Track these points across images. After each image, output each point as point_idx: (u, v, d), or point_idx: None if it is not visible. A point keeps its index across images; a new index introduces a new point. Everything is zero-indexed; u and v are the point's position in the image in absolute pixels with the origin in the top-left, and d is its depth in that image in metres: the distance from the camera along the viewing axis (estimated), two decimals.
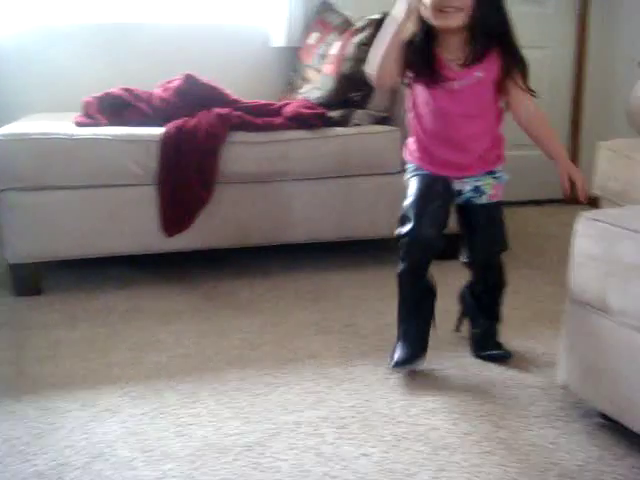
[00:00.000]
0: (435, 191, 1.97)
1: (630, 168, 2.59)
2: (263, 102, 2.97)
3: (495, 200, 2.04)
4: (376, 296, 2.58)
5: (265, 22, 3.67)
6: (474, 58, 1.86)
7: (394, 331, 2.08)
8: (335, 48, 3.07)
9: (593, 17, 4.27)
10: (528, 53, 4.24)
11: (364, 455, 1.58)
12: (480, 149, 1.98)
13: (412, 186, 1.99)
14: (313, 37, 3.40)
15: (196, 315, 2.42)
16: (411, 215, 1.95)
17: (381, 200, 2.87)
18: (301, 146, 2.77)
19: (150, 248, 2.71)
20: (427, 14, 1.82)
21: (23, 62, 3.41)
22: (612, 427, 1.68)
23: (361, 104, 2.95)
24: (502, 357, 2.06)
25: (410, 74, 1.92)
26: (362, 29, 2.99)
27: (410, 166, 2.03)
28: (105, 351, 2.13)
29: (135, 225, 2.66)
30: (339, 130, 2.85)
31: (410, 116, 2.01)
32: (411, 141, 2.03)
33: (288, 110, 2.85)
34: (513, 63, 1.90)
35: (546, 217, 4.01)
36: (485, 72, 1.88)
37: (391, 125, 2.96)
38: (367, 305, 2.50)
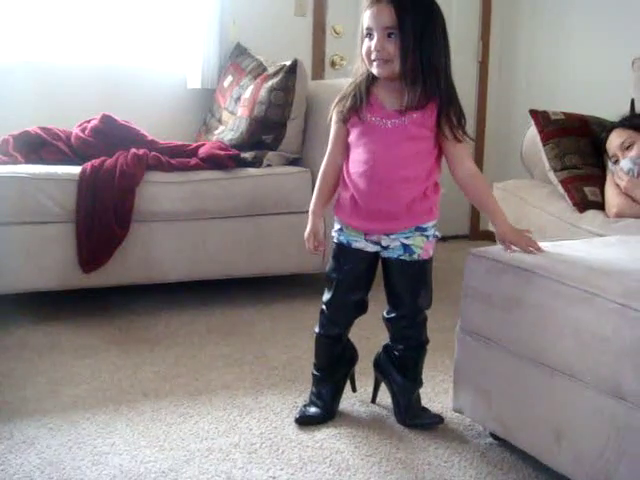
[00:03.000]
0: (356, 259, 1.94)
1: (520, 207, 2.81)
2: (179, 143, 3.08)
3: (425, 258, 1.95)
4: (286, 329, 2.70)
5: (182, 65, 3.77)
6: (409, 106, 1.81)
7: (303, 362, 2.19)
8: (248, 92, 3.21)
9: (492, 65, 4.55)
10: None
11: (272, 478, 1.68)
12: (410, 196, 1.88)
13: (333, 253, 1.98)
14: (228, 80, 3.53)
15: (112, 349, 2.48)
16: (332, 281, 1.96)
17: (292, 238, 2.98)
18: (215, 186, 2.88)
19: (68, 284, 2.76)
20: (367, 65, 1.84)
21: None
22: (501, 445, 1.83)
23: (273, 146, 3.08)
24: (435, 423, 1.97)
25: (344, 109, 1.88)
26: (274, 74, 3.14)
27: (336, 223, 1.98)
28: (21, 385, 2.17)
29: (53, 261, 2.70)
30: (252, 171, 2.97)
31: (337, 163, 1.95)
32: (340, 193, 1.96)
33: (203, 151, 2.96)
34: (449, 114, 1.83)
35: (451, 252, 4.20)
36: (421, 118, 1.83)
37: (302, 166, 3.11)
38: (278, 338, 2.62)
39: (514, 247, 1.77)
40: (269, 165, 3.03)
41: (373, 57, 1.80)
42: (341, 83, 3.08)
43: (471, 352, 1.80)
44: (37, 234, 2.69)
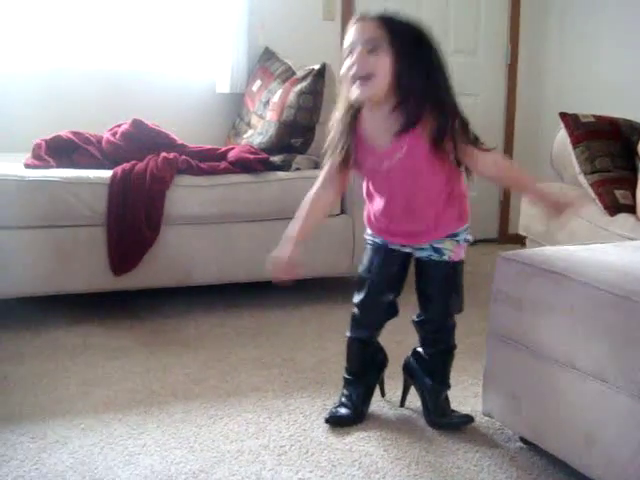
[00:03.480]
0: (389, 258, 1.93)
1: None
2: (208, 147, 3.10)
3: (456, 260, 1.93)
4: (315, 332, 2.70)
5: (210, 69, 3.80)
6: (399, 130, 1.73)
7: (331, 365, 2.20)
8: (277, 96, 3.22)
9: (521, 68, 4.53)
10: (461, 100, 4.45)
11: None
12: (433, 212, 1.86)
13: (367, 253, 1.98)
14: (257, 84, 3.55)
15: (143, 351, 2.51)
16: (364, 282, 1.95)
17: (320, 241, 2.99)
18: (244, 189, 2.90)
19: (98, 287, 2.79)
20: (347, 92, 1.74)
21: None
22: (530, 449, 1.82)
23: (301, 150, 3.10)
24: (464, 423, 1.96)
25: (337, 163, 1.86)
26: (303, 79, 3.15)
27: (367, 230, 1.99)
28: (53, 386, 2.20)
29: (84, 264, 2.73)
30: (280, 174, 2.99)
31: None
32: (366, 205, 1.96)
33: (232, 155, 2.98)
34: (446, 126, 1.74)
35: (480, 256, 4.18)
36: (414, 147, 1.74)
37: None
38: (306, 341, 2.62)
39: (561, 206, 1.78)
40: (298, 169, 3.04)
41: (353, 73, 1.69)
42: None
43: (501, 356, 1.79)
44: (69, 237, 2.73)
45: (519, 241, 3.44)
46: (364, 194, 1.95)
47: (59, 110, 3.52)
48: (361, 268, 1.98)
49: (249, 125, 3.46)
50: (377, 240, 1.95)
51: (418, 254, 1.93)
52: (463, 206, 1.93)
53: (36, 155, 2.90)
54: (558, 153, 3.05)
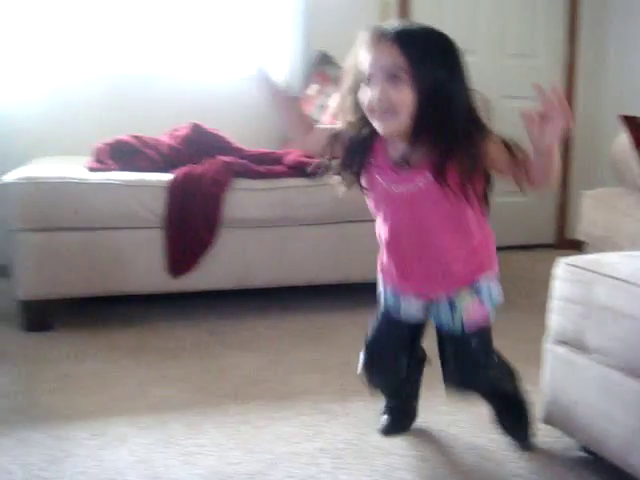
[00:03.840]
0: (396, 325, 1.77)
1: (611, 215, 2.74)
2: (265, 151, 3.12)
3: (473, 329, 1.66)
4: None
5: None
6: (424, 162, 1.53)
7: None
8: (334, 100, 3.23)
9: (580, 69, 4.46)
10: (519, 103, 4.43)
11: None
12: (450, 256, 1.63)
13: (376, 317, 1.82)
14: (313, 88, 3.57)
15: (200, 352, 2.53)
16: (367, 349, 1.84)
17: (377, 245, 2.98)
18: (301, 193, 2.90)
19: (156, 288, 2.83)
20: (369, 118, 1.53)
21: (37, 107, 3.56)
22: (591, 459, 1.78)
23: None
24: (522, 446, 1.87)
25: (339, 167, 1.68)
26: None
27: (380, 279, 1.80)
28: (112, 385, 2.24)
29: (142, 266, 2.78)
30: (337, 178, 2.98)
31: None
32: (380, 251, 1.76)
33: (289, 159, 2.99)
34: (475, 157, 1.52)
35: (535, 262, 4.14)
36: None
37: None
38: (362, 344, 2.60)
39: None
40: None
41: (374, 107, 1.48)
42: None
43: (561, 363, 1.76)
44: (128, 239, 2.77)
45: (576, 246, 3.39)
46: (377, 233, 1.73)
47: (120, 114, 3.59)
48: (367, 332, 1.84)
49: None
50: (390, 303, 1.76)
51: (433, 316, 1.72)
52: (487, 252, 1.70)
53: (98, 158, 2.96)
54: (618, 156, 2.99)
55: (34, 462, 1.74)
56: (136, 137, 3.07)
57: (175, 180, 2.78)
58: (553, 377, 1.80)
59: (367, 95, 1.49)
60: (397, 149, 1.56)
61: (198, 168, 2.84)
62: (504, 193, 4.63)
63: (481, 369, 1.70)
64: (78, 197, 2.70)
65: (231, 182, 2.83)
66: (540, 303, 3.14)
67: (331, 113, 3.19)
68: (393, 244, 1.66)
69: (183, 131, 3.05)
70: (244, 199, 2.83)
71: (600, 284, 1.62)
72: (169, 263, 2.77)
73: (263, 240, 2.89)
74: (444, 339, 1.72)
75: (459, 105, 1.50)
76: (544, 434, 1.92)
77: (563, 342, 1.74)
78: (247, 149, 3.07)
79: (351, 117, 1.58)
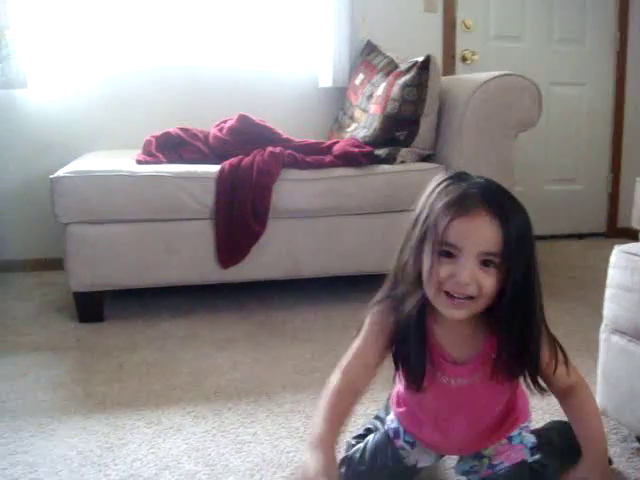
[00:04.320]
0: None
1: None
2: (313, 141, 3.12)
3: (502, 463, 1.43)
4: None
5: (313, 64, 3.83)
6: (496, 370, 1.31)
7: None
8: (381, 89, 3.22)
9: (631, 54, 4.38)
10: (568, 90, 4.36)
11: None
12: (491, 424, 1.44)
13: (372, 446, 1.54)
14: (359, 78, 3.56)
15: (250, 342, 2.55)
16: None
17: None
18: (349, 183, 2.90)
19: (206, 279, 2.85)
20: (427, 289, 1.26)
21: (87, 102, 3.62)
22: None
23: (406, 142, 3.07)
24: None
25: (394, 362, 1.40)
26: (406, 71, 3.13)
27: (391, 410, 1.58)
28: (166, 374, 2.26)
29: (192, 257, 2.80)
30: (385, 167, 2.98)
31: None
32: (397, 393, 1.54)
33: (337, 149, 2.99)
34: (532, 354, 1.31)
35: (587, 250, 4.09)
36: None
37: (435, 162, 3.09)
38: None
39: None
40: (403, 162, 3.03)
41: (451, 289, 1.22)
42: (474, 79, 3.07)
43: (617, 352, 1.73)
44: (178, 230, 2.80)
45: (629, 235, 3.33)
46: (393, 396, 1.55)
47: (168, 108, 3.64)
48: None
49: (352, 119, 3.46)
50: (401, 439, 1.52)
51: (456, 466, 1.54)
52: (522, 405, 1.49)
53: (147, 151, 2.99)
54: None
55: (91, 449, 1.77)
56: (184, 129, 3.10)
57: (223, 171, 2.79)
58: (608, 367, 1.77)
59: (445, 270, 1.22)
60: (454, 335, 1.33)
61: (246, 159, 2.85)
62: (554, 181, 4.61)
63: None
64: (128, 190, 2.73)
65: (279, 172, 2.83)
66: (592, 292, 3.12)
67: (376, 102, 3.18)
68: (430, 421, 1.45)
69: (230, 122, 3.07)
70: (293, 189, 2.83)
71: None
72: (219, 254, 2.79)
73: (312, 230, 2.90)
74: None
75: (537, 296, 1.30)
76: None
77: (619, 331, 1.71)
78: (295, 139, 3.07)
79: (406, 283, 1.33)
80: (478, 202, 1.21)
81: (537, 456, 1.49)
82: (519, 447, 1.45)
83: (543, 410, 1.95)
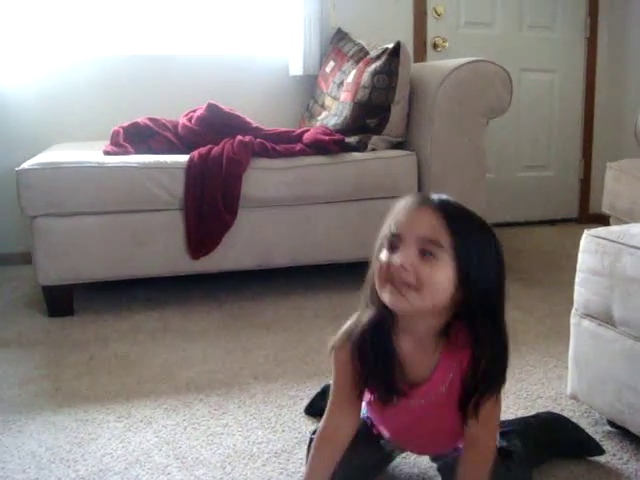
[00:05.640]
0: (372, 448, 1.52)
1: (637, 187, 2.69)
2: (283, 129, 3.10)
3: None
4: None
5: (283, 52, 3.80)
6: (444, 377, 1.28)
7: None
8: (351, 76, 3.20)
9: (601, 40, 4.40)
10: (539, 76, 4.36)
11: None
12: (442, 438, 1.42)
13: None
14: (330, 65, 3.53)
15: (222, 333, 2.53)
16: None
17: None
18: (320, 171, 2.88)
19: (177, 270, 2.83)
20: (377, 286, 1.24)
21: (53, 93, 3.57)
22: (619, 434, 1.76)
23: (377, 130, 3.06)
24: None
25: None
26: (377, 58, 3.11)
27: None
28: (137, 367, 2.24)
29: (162, 248, 2.77)
30: (356, 155, 2.96)
31: None
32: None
33: (307, 137, 2.97)
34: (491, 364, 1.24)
35: (560, 236, 4.10)
36: (453, 381, 1.28)
37: (406, 149, 3.08)
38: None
39: None
40: (374, 149, 3.02)
41: (395, 276, 1.18)
42: (445, 65, 3.06)
43: (588, 336, 1.74)
44: (147, 222, 2.76)
45: (600, 221, 3.34)
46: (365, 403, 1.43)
47: (136, 98, 3.59)
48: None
49: (323, 107, 3.44)
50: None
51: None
52: None
53: (114, 142, 2.95)
54: None
55: (60, 445, 1.75)
56: (152, 119, 3.06)
57: (192, 161, 2.76)
58: (579, 351, 1.78)
59: (385, 258, 1.21)
60: (414, 349, 1.28)
61: (216, 148, 2.82)
62: (526, 167, 4.62)
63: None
64: (96, 181, 2.69)
65: (250, 161, 2.80)
66: (564, 277, 3.12)
67: (347, 89, 3.16)
68: (389, 428, 1.45)
69: (199, 112, 3.04)
70: (263, 178, 2.81)
71: (627, 256, 1.59)
72: (189, 245, 2.76)
73: (283, 219, 2.87)
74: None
75: (501, 307, 1.25)
76: (571, 409, 1.90)
77: (589, 315, 1.72)
78: (265, 128, 3.05)
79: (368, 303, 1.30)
80: (429, 201, 1.22)
81: (504, 443, 1.50)
82: None
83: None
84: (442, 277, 1.18)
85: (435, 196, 1.24)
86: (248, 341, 2.45)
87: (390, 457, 1.59)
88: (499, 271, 1.23)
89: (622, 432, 1.75)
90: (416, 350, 1.28)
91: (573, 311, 1.78)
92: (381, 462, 1.57)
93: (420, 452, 1.57)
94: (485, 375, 1.23)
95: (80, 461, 1.67)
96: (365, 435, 1.49)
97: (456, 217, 1.20)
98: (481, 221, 1.25)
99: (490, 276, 1.21)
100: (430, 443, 1.45)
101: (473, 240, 1.20)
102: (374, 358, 1.28)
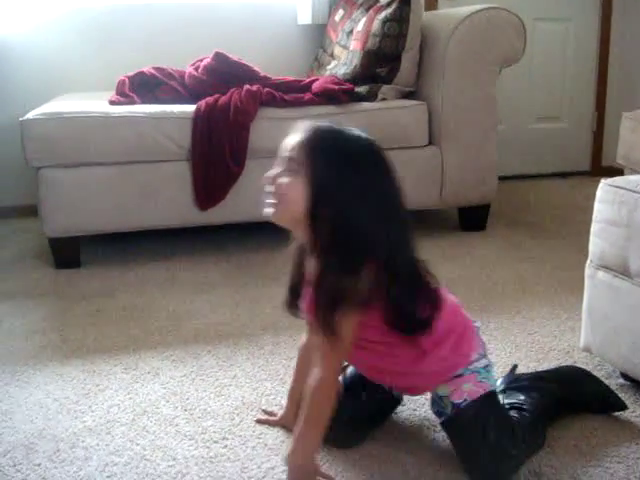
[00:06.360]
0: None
1: None
2: (292, 78, 3.04)
3: (465, 400, 1.37)
4: None
5: (292, 0, 3.72)
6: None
7: None
8: (361, 25, 3.12)
9: None
10: (553, 25, 4.28)
11: None
12: (388, 370, 1.44)
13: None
14: (339, 14, 3.45)
15: (230, 285, 2.51)
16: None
17: (408, 172, 2.90)
18: (329, 121, 2.81)
19: (184, 221, 2.79)
20: None
21: (57, 43, 3.51)
22: (633, 386, 1.73)
23: (387, 79, 2.99)
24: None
25: None
26: (387, 5, 3.03)
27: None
28: (144, 319, 2.22)
29: (169, 199, 2.73)
30: (366, 105, 2.90)
31: None
32: None
33: (316, 86, 2.91)
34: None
35: (571, 189, 4.05)
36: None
37: (417, 99, 3.02)
38: None
39: None
40: (384, 99, 2.96)
41: (265, 188, 1.33)
42: (457, 13, 2.98)
43: (602, 288, 1.70)
44: (154, 173, 2.72)
45: (613, 174, 3.29)
46: None
47: (142, 47, 3.53)
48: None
49: (332, 56, 3.37)
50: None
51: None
52: (444, 362, 1.39)
53: (120, 92, 2.90)
54: None
55: (68, 396, 1.74)
56: (158, 69, 3.01)
57: (199, 111, 2.71)
58: (593, 303, 1.75)
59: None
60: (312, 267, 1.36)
61: (223, 98, 2.76)
62: (539, 119, 4.54)
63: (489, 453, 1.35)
64: (102, 132, 2.64)
65: (257, 111, 2.75)
66: (576, 230, 3.09)
67: (356, 38, 3.09)
68: (358, 366, 1.52)
69: (206, 61, 2.97)
70: (271, 128, 2.75)
71: None
72: (197, 196, 2.72)
73: None
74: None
75: (363, 233, 1.27)
76: (583, 362, 1.88)
77: (604, 267, 1.68)
78: (273, 77, 2.98)
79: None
80: (306, 127, 1.33)
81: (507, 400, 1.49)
82: (472, 377, 1.38)
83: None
84: (294, 192, 1.28)
85: (320, 123, 1.36)
86: (257, 292, 2.43)
87: (392, 398, 1.57)
88: (380, 199, 1.29)
89: (636, 385, 1.73)
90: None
91: (588, 262, 1.75)
92: (383, 405, 1.57)
93: (397, 389, 1.54)
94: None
95: (87, 412, 1.66)
96: (361, 378, 1.53)
97: (318, 140, 1.30)
98: (362, 150, 1.32)
99: (356, 201, 1.26)
100: (390, 375, 1.44)
101: (331, 163, 1.27)
102: (290, 275, 1.49)
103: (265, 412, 1.64)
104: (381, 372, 1.46)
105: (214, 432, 1.57)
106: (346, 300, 1.26)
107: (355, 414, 1.51)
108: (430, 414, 1.57)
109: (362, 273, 1.26)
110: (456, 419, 1.38)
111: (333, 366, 1.32)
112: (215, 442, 1.53)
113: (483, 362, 1.42)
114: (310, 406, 1.31)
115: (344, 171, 1.27)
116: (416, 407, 1.64)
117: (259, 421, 1.60)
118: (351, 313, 1.28)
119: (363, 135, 1.36)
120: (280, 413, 1.60)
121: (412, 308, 1.31)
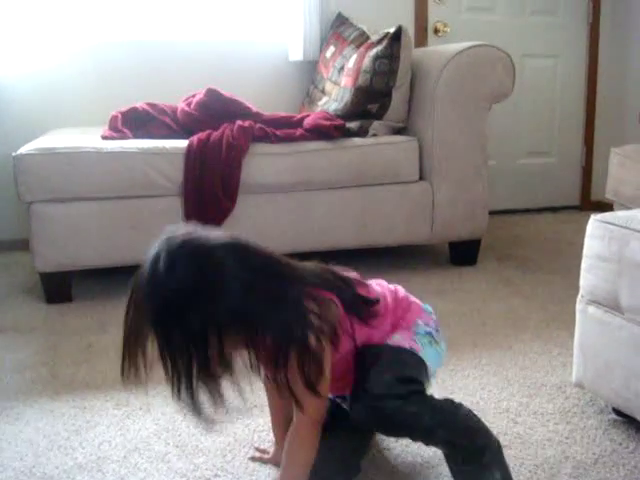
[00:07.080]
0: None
1: None
2: (283, 114, 3.06)
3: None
4: None
5: (283, 37, 3.76)
6: None
7: None
8: (352, 61, 3.16)
9: (603, 26, 4.36)
10: (541, 62, 4.33)
11: None
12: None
13: None
14: (330, 50, 3.49)
15: None
16: None
17: (399, 208, 2.95)
18: (321, 156, 2.85)
19: None
20: None
21: (51, 78, 3.53)
22: (625, 422, 1.74)
23: (378, 115, 3.02)
24: None
25: None
26: (378, 42, 3.07)
27: None
28: None
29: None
30: (357, 141, 2.93)
31: None
32: None
33: (308, 122, 2.93)
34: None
35: (561, 223, 4.08)
36: None
37: (408, 135, 3.05)
38: None
39: None
40: (375, 135, 2.98)
41: None
42: (447, 50, 3.03)
43: (594, 323, 1.71)
44: (146, 208, 2.73)
45: (602, 208, 3.32)
46: None
47: (135, 83, 3.55)
48: None
49: (323, 92, 3.41)
50: None
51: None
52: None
53: (112, 127, 2.91)
54: None
55: (58, 432, 1.72)
56: (151, 104, 3.03)
57: (192, 146, 2.72)
58: (585, 338, 1.75)
59: None
60: None
61: (215, 133, 2.78)
62: (528, 154, 4.59)
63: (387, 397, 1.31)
64: (94, 167, 2.65)
65: (249, 147, 2.77)
66: (567, 264, 3.11)
67: (347, 74, 3.12)
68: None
69: (198, 97, 3.00)
70: (263, 164, 2.78)
71: (635, 241, 1.56)
72: None
73: (283, 205, 2.84)
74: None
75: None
76: (575, 397, 1.88)
77: (595, 302, 1.69)
78: (265, 113, 3.01)
79: None
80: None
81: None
82: (407, 333, 1.44)
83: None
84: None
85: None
86: None
87: (365, 437, 1.57)
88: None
89: (628, 420, 1.73)
90: None
91: (579, 297, 1.76)
92: (361, 442, 1.56)
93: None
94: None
95: (78, 449, 1.64)
96: (336, 415, 1.51)
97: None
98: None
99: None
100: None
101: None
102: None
103: (258, 450, 1.63)
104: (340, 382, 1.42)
105: (206, 469, 1.56)
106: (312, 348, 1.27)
107: (343, 447, 1.50)
108: (423, 450, 1.56)
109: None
110: (364, 350, 1.40)
111: (315, 407, 1.32)
112: (207, 479, 1.52)
113: (426, 328, 1.46)
114: (291, 451, 1.34)
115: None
116: (408, 443, 1.63)
117: (253, 459, 1.60)
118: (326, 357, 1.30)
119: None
120: (272, 450, 1.60)
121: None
